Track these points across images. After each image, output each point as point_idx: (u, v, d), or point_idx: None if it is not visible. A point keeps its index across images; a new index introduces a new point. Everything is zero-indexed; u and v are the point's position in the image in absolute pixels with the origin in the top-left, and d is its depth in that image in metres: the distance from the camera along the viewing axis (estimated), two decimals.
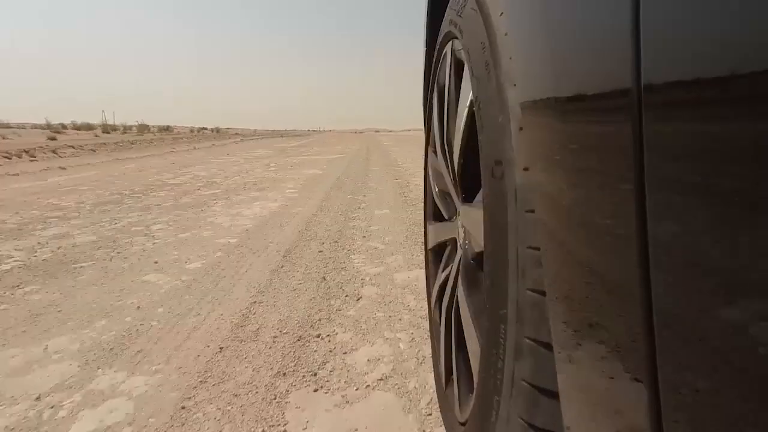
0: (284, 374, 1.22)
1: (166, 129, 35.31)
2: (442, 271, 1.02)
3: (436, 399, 1.01)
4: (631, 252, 0.27)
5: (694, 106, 0.22)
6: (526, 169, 0.41)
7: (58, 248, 2.45)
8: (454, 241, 0.91)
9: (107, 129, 25.25)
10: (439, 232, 1.08)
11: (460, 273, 0.75)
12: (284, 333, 1.46)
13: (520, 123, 0.42)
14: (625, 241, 0.27)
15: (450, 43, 0.80)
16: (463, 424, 0.64)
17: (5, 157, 7.85)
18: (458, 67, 0.76)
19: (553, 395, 0.40)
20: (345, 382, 1.18)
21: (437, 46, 0.93)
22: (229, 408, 1.07)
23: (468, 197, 0.74)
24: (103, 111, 49.13)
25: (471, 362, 0.65)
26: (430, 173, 1.15)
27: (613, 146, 0.28)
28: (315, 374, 1.21)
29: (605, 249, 0.30)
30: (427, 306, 1.36)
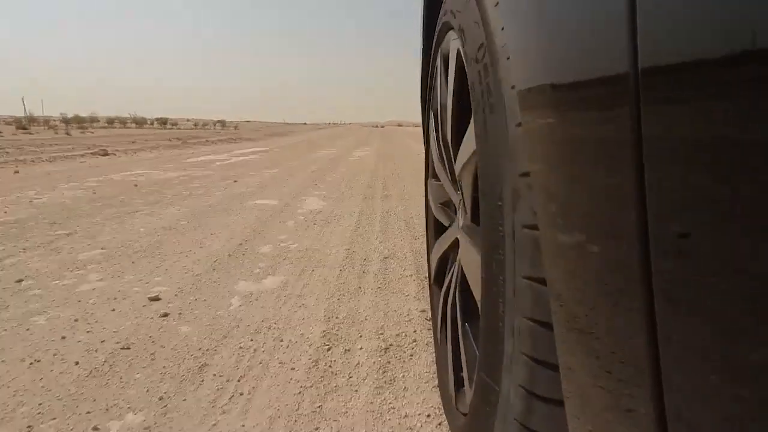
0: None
1: (164, 123, 33.97)
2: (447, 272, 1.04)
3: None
4: (631, 245, 0.27)
5: (692, 94, 0.22)
6: (523, 162, 0.42)
7: None
8: (455, 241, 0.91)
9: (24, 124, 21.29)
10: (441, 243, 1.09)
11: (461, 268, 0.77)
12: None
13: (517, 114, 0.43)
14: (624, 235, 0.28)
15: (447, 35, 0.81)
16: (465, 415, 0.67)
17: None
18: (455, 60, 0.76)
19: (552, 402, 0.42)
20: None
21: (434, 44, 0.95)
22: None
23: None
24: (22, 98, 39.37)
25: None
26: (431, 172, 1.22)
27: (612, 137, 0.28)
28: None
29: (604, 246, 0.30)
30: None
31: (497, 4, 0.47)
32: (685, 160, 0.23)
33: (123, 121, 32.16)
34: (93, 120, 30.55)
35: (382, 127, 54.46)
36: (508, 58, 0.45)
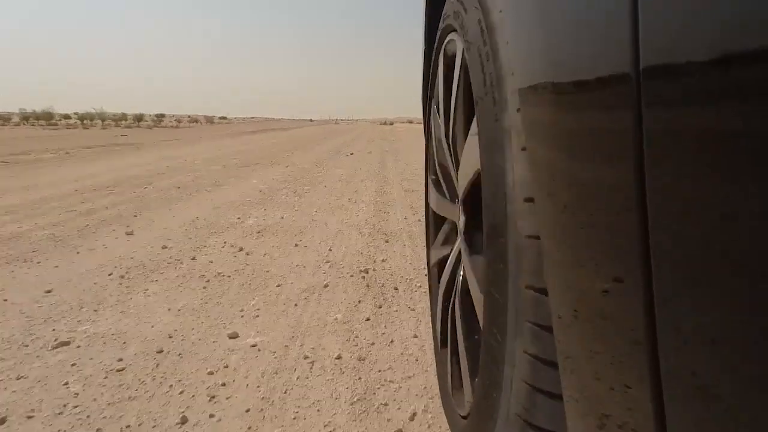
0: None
1: (141, 119, 32.37)
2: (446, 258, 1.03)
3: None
4: (631, 246, 0.28)
5: (693, 92, 0.23)
6: (525, 158, 0.44)
7: None
8: (454, 226, 0.98)
9: None
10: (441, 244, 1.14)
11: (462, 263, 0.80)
12: None
13: (518, 112, 0.44)
14: (625, 230, 0.28)
15: (448, 37, 0.84)
16: (464, 417, 0.70)
17: None
18: (454, 61, 0.79)
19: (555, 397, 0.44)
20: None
21: (435, 43, 0.97)
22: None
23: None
24: None
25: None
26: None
27: (613, 134, 0.29)
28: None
29: (604, 243, 0.31)
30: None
31: (500, 11, 0.49)
32: (688, 163, 0.23)
33: (92, 117, 30.79)
34: (49, 116, 29.11)
35: (391, 124, 51.18)
36: (509, 54, 0.46)
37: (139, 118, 32.00)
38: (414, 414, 1.10)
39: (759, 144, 0.20)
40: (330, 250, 2.40)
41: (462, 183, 0.73)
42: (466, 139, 0.70)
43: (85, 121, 28.60)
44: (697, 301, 0.24)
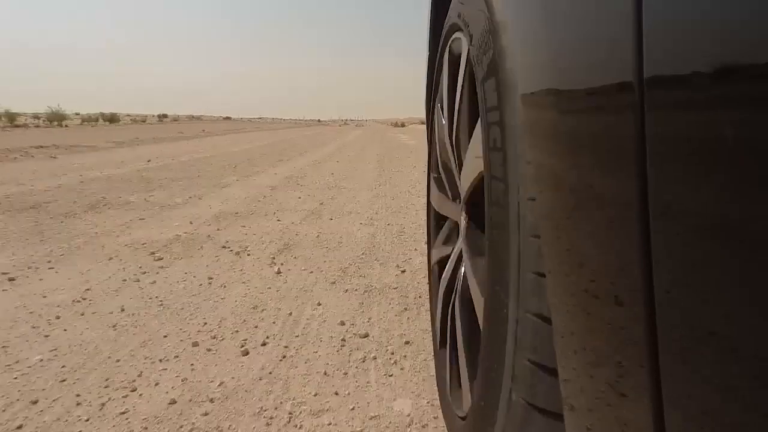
0: None
1: (113, 119, 32.08)
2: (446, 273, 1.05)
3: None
4: (632, 247, 0.29)
5: (696, 99, 0.23)
6: (528, 163, 0.45)
7: None
8: (455, 226, 1.01)
9: None
10: (442, 245, 1.16)
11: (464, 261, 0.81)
12: None
13: (522, 118, 0.46)
14: (626, 236, 0.29)
15: (453, 36, 0.86)
16: (463, 419, 0.71)
17: None
18: (458, 65, 0.81)
19: (554, 373, 0.44)
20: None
21: (440, 43, 1.00)
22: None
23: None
24: None
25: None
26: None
27: (616, 141, 0.30)
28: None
29: (606, 247, 0.32)
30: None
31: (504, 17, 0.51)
32: (691, 169, 0.24)
33: (61, 118, 30.45)
34: (11, 117, 28.70)
35: (403, 125, 50.30)
36: (513, 60, 0.48)
37: (114, 119, 31.92)
38: None
39: (761, 151, 0.20)
40: None
41: (464, 183, 0.74)
42: (469, 139, 0.71)
43: (53, 122, 28.25)
44: (699, 307, 0.24)
